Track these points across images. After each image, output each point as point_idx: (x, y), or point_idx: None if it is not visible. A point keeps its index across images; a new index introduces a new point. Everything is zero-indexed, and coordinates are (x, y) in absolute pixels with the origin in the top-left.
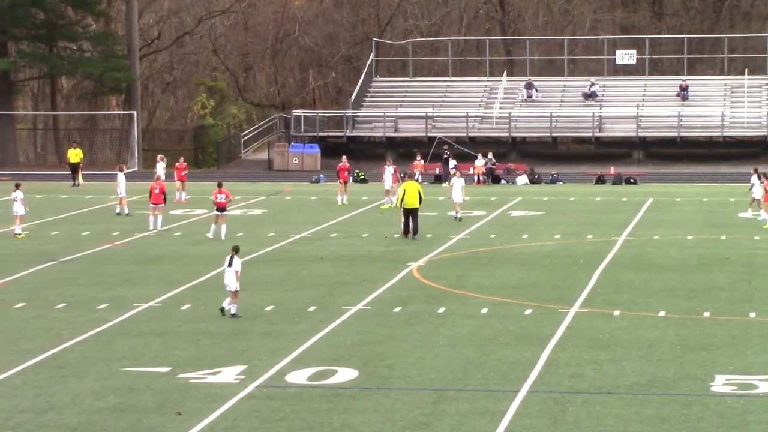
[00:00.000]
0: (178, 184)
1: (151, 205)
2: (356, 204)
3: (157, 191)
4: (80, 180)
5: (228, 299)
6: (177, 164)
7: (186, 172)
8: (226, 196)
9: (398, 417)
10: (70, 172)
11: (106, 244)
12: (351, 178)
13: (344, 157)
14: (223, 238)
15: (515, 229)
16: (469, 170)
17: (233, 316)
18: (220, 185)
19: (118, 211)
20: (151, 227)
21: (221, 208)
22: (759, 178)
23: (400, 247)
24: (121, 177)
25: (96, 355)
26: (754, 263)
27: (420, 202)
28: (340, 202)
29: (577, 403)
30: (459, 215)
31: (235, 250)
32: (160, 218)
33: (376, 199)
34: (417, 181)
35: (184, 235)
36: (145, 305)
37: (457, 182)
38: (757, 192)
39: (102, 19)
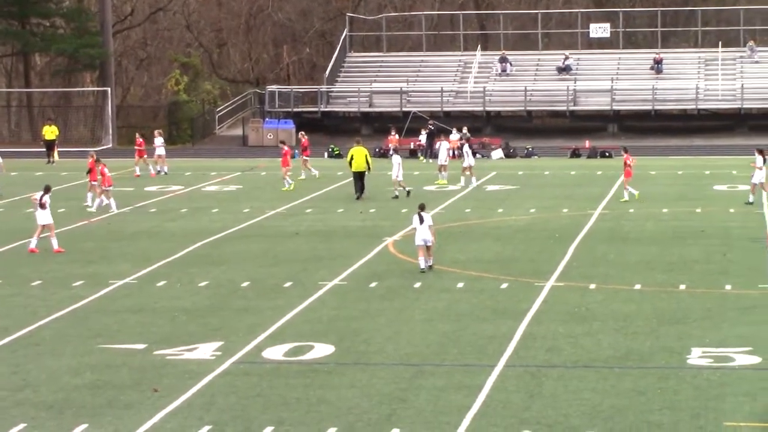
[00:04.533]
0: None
1: (103, 188)
2: (331, 179)
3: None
4: (55, 157)
5: (422, 258)
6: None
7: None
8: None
9: (375, 392)
10: (45, 149)
11: (81, 221)
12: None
13: (301, 132)
14: (94, 210)
15: (490, 203)
16: (436, 144)
17: (431, 268)
18: (98, 160)
19: None
20: (113, 209)
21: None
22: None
23: (376, 222)
24: None
25: (72, 332)
26: (730, 236)
27: (369, 167)
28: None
29: (553, 377)
30: (397, 193)
31: (422, 207)
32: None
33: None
34: (391, 155)
35: (160, 212)
36: (120, 282)
37: (396, 159)
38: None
39: None
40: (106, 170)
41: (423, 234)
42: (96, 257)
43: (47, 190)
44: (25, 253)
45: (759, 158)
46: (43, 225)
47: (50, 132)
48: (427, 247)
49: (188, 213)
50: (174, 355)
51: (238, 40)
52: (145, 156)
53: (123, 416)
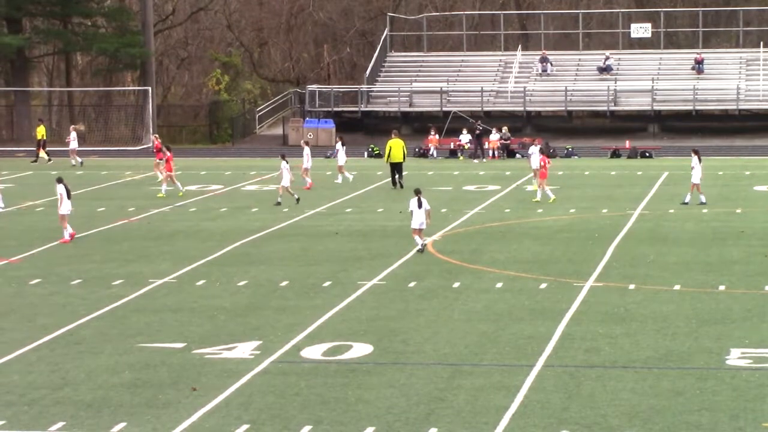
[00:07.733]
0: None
1: None
2: (371, 179)
3: None
4: (42, 155)
5: (417, 237)
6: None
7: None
8: None
9: (413, 392)
10: (35, 148)
11: (121, 220)
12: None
13: (155, 134)
14: None
15: (530, 203)
16: (484, 144)
17: (421, 250)
18: None
19: None
20: None
21: None
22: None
23: None
24: None
25: (111, 331)
26: None
27: (404, 158)
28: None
29: (591, 378)
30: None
31: (418, 192)
32: None
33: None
34: (432, 156)
35: (199, 211)
36: (160, 281)
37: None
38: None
39: None
40: None
41: (420, 218)
42: (135, 256)
43: (60, 180)
44: (65, 251)
45: (694, 158)
46: (66, 215)
47: (39, 132)
48: (421, 230)
49: (228, 212)
50: (213, 354)
51: (279, 39)
52: None
53: (161, 415)
